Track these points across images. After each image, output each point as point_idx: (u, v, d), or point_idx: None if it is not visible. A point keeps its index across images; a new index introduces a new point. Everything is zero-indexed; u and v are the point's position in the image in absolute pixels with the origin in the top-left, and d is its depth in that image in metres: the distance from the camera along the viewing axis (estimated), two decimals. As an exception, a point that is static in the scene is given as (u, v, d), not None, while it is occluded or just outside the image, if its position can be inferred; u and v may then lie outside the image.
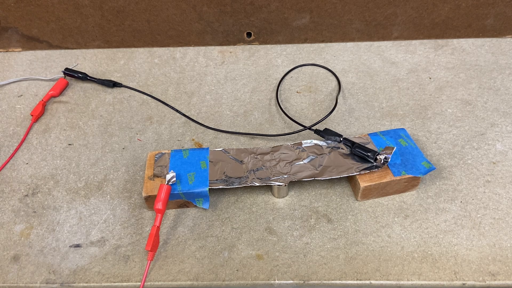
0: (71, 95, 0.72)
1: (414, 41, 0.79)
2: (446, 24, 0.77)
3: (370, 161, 0.53)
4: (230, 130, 0.64)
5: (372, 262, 0.49)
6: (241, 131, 0.64)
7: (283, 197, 0.55)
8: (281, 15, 0.75)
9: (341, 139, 0.57)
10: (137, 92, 0.72)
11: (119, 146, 0.63)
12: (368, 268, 0.48)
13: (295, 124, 0.64)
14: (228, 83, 0.73)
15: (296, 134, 0.63)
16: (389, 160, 0.52)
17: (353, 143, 0.55)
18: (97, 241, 0.52)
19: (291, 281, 0.47)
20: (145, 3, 0.74)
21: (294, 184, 0.56)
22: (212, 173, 0.54)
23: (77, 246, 0.51)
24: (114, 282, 0.48)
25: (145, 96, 0.71)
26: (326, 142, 0.57)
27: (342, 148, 0.56)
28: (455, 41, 0.79)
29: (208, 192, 0.51)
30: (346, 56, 0.77)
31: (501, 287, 0.47)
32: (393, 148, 0.53)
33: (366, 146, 0.55)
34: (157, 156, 0.56)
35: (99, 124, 0.67)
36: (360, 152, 0.54)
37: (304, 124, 0.63)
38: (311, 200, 0.55)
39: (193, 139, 0.64)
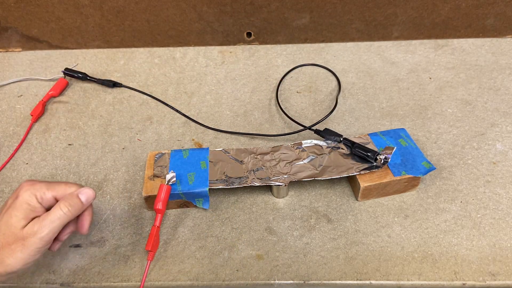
0: (71, 95, 0.72)
1: (414, 41, 0.79)
2: (446, 24, 0.77)
3: (370, 161, 0.53)
4: (230, 130, 0.64)
5: (372, 262, 0.48)
6: (241, 131, 0.64)
7: (283, 197, 0.55)
8: (281, 15, 0.75)
9: (341, 139, 0.57)
10: (137, 92, 0.72)
11: (119, 146, 0.63)
12: (368, 268, 0.48)
13: (295, 124, 0.64)
14: (228, 83, 0.73)
15: (296, 134, 0.63)
16: (389, 160, 0.52)
17: (353, 143, 0.55)
18: (97, 241, 0.52)
19: (291, 281, 0.47)
20: (145, 3, 0.74)
21: (294, 184, 0.56)
22: (212, 173, 0.54)
23: (77, 246, 0.51)
24: (114, 282, 0.48)
25: (145, 96, 0.71)
26: (326, 142, 0.57)
27: (342, 148, 0.56)
28: (455, 41, 0.79)
29: (208, 192, 0.51)
30: (346, 56, 0.77)
31: (501, 287, 0.47)
32: (393, 148, 0.53)
33: (366, 146, 0.55)
34: (157, 156, 0.56)
35: (99, 124, 0.67)
36: (360, 152, 0.54)
37: (304, 124, 0.63)
38: (311, 200, 0.55)
39: (193, 139, 0.64)
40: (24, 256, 0.39)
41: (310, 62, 0.76)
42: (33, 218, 0.41)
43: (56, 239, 0.45)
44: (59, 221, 0.41)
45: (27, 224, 0.40)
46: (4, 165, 0.61)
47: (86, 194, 0.43)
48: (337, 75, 0.73)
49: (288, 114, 0.66)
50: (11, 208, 0.41)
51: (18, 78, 0.75)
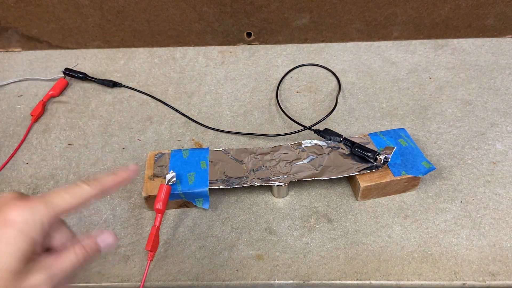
0: (71, 95, 0.72)
1: (414, 41, 0.79)
2: (446, 24, 0.77)
3: (370, 161, 0.53)
4: (230, 130, 0.64)
5: (372, 262, 0.48)
6: (241, 131, 0.64)
7: (283, 197, 0.55)
8: (281, 15, 0.75)
9: (341, 139, 0.57)
10: (137, 92, 0.72)
11: (119, 146, 0.63)
12: (368, 268, 0.48)
13: (295, 124, 0.64)
14: (228, 83, 0.73)
15: (296, 134, 0.63)
16: (389, 160, 0.52)
17: (353, 143, 0.55)
18: (97, 241, 0.52)
19: (291, 281, 0.47)
20: (145, 3, 0.74)
21: (294, 184, 0.56)
22: (212, 173, 0.54)
23: (77, 246, 0.51)
24: (114, 282, 0.48)
25: (145, 96, 0.71)
26: (326, 142, 0.57)
27: (342, 148, 0.56)
28: (455, 41, 0.79)
29: (208, 192, 0.51)
30: (346, 56, 0.77)
31: (501, 287, 0.47)
32: (393, 148, 0.53)
33: (366, 146, 0.55)
34: (157, 156, 0.56)
35: (99, 124, 0.67)
36: (360, 152, 0.54)
37: (304, 124, 0.63)
38: (311, 200, 0.55)
39: (193, 139, 0.64)
40: None
41: (310, 62, 0.76)
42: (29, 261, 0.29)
43: None
44: (71, 270, 0.30)
45: (23, 269, 0.28)
46: (4, 165, 0.61)
47: (106, 240, 0.33)
48: (337, 75, 0.73)
49: (288, 114, 0.66)
50: None
51: (18, 78, 0.75)
